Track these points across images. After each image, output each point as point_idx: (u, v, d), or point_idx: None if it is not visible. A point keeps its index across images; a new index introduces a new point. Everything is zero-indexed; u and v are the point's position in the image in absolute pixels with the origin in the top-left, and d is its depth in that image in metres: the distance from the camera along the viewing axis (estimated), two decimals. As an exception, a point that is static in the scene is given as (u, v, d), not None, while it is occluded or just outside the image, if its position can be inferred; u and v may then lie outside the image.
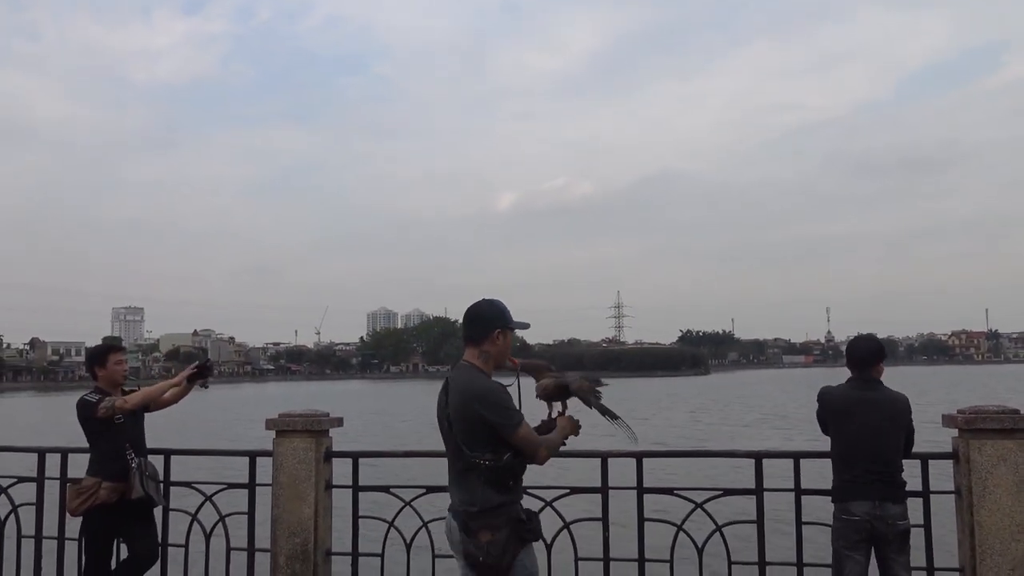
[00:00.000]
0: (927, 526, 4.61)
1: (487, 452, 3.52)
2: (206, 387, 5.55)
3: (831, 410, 4.73)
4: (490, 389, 3.58)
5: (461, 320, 3.86)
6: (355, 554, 5.27)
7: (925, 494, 4.64)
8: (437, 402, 3.76)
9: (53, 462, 5.70)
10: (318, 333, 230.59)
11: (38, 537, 5.79)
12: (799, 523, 4.76)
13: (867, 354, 4.79)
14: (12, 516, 5.88)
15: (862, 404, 4.62)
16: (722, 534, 4.85)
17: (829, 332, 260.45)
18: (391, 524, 5.20)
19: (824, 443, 4.79)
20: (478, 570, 3.50)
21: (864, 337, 4.94)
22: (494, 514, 3.51)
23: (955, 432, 4.64)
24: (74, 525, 5.40)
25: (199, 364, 5.58)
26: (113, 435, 5.23)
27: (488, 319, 3.73)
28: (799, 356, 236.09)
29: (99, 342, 5.79)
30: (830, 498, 4.70)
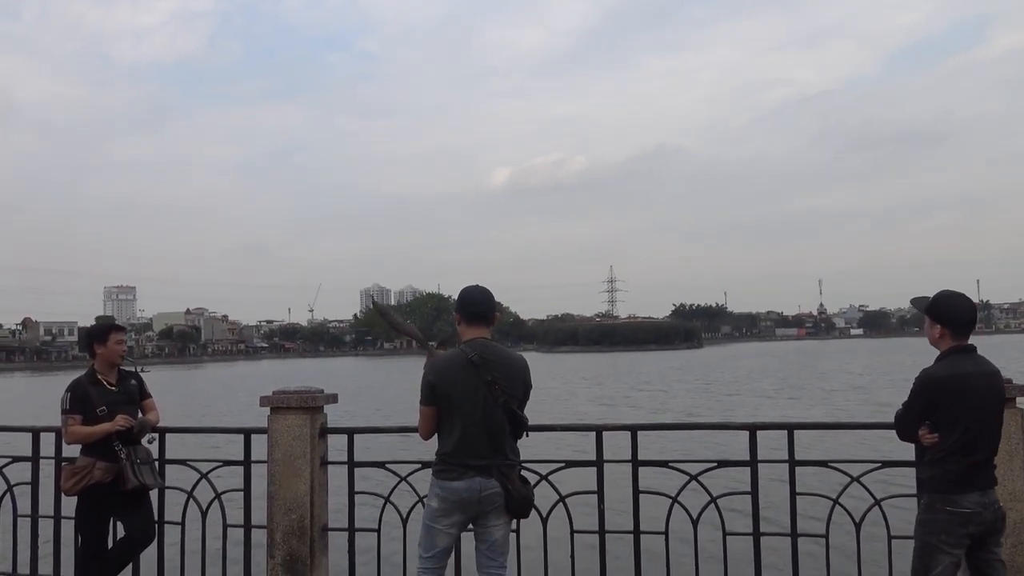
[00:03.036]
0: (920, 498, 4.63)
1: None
2: (152, 442, 5.44)
3: (949, 392, 3.97)
4: (527, 363, 4.29)
5: (465, 300, 4.29)
6: (351, 530, 5.29)
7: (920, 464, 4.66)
8: (452, 371, 4.13)
9: (48, 441, 5.68)
10: (311, 311, 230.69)
11: (34, 517, 5.80)
12: (793, 494, 4.78)
13: (974, 315, 4.15)
14: (7, 496, 5.89)
15: (977, 380, 4.01)
16: (717, 506, 4.87)
17: (821, 304, 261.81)
18: (387, 500, 5.21)
19: (807, 412, 4.75)
20: (519, 512, 4.18)
21: (961, 295, 4.13)
22: (518, 464, 4.28)
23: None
24: (70, 505, 5.41)
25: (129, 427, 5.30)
26: (99, 424, 5.22)
27: (493, 300, 4.32)
28: (791, 328, 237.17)
29: (92, 322, 5.79)
30: (917, 491, 4.15)
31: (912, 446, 4.28)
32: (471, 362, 4.10)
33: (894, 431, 4.19)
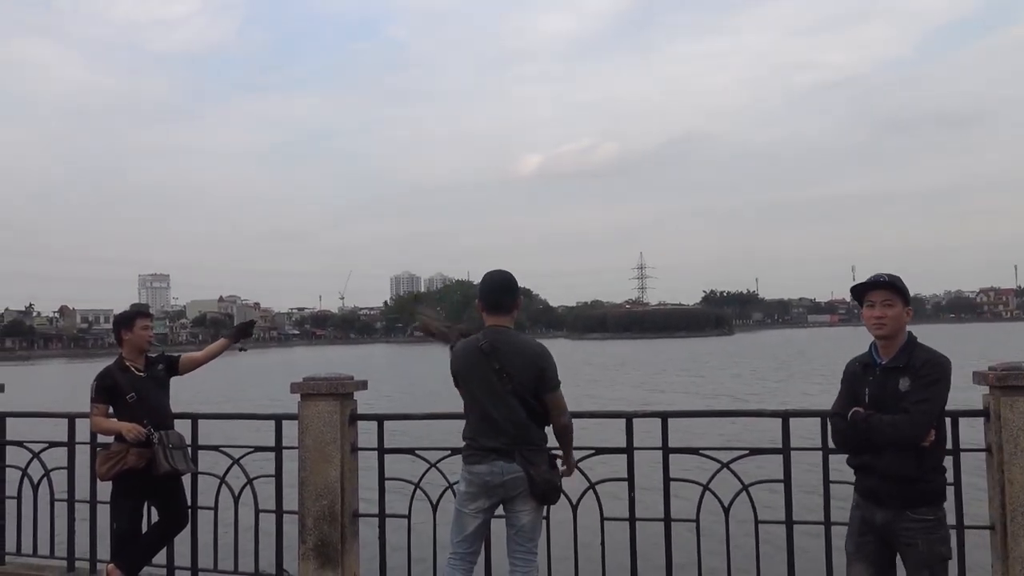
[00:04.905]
0: (957, 484, 4.55)
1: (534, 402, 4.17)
2: (244, 349, 5.60)
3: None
4: (547, 349, 4.27)
5: (483, 287, 4.33)
6: (382, 516, 5.31)
7: (956, 452, 4.57)
8: (466, 359, 4.22)
9: (83, 427, 5.75)
10: (342, 298, 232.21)
11: (70, 501, 5.90)
12: (827, 482, 4.72)
13: None
14: (45, 480, 5.99)
15: None
16: (749, 494, 4.82)
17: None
18: (417, 486, 5.22)
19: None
20: (544, 497, 4.20)
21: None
22: (545, 449, 4.28)
23: (986, 389, 4.57)
24: (105, 489, 5.48)
25: (243, 325, 5.68)
26: (131, 412, 5.27)
27: (516, 288, 4.34)
28: (824, 315, 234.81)
29: (126, 309, 5.84)
30: (906, 506, 3.74)
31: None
32: (481, 350, 4.17)
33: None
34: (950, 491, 4.43)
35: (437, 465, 5.16)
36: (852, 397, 3.82)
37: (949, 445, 4.49)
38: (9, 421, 6.23)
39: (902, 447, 3.62)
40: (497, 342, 4.17)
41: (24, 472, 6.04)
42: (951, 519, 4.46)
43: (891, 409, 3.64)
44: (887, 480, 3.70)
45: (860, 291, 3.84)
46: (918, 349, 3.72)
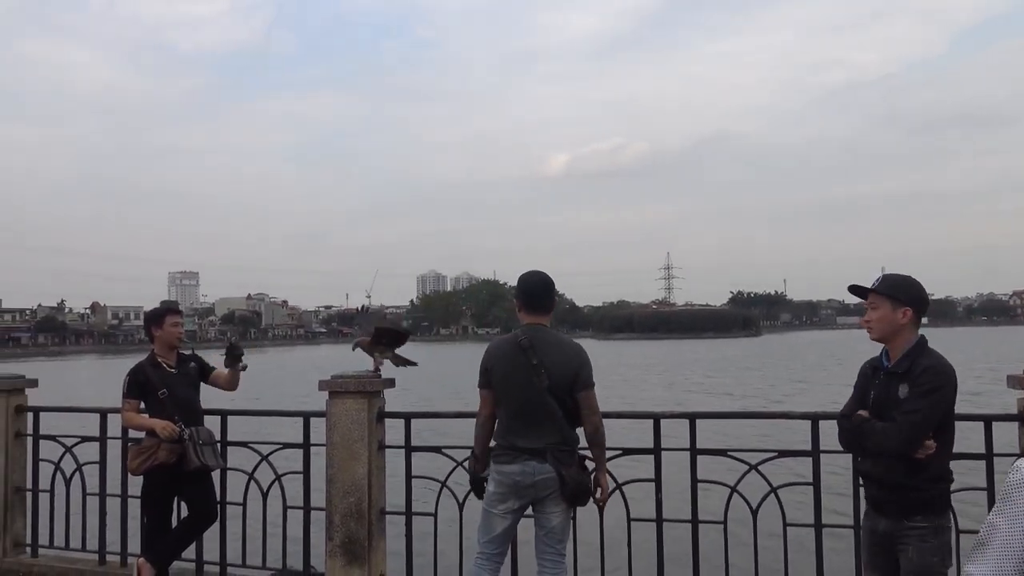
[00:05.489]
0: (991, 489, 4.49)
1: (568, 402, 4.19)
2: (245, 368, 5.57)
3: (956, 390, 3.58)
4: (584, 348, 4.34)
5: (524, 287, 4.35)
6: (408, 513, 5.33)
7: (989, 457, 4.51)
8: (503, 354, 4.25)
9: (115, 422, 5.82)
10: (368, 296, 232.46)
11: (102, 495, 5.97)
12: (856, 485, 4.66)
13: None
14: (77, 474, 6.07)
15: None
16: (777, 496, 4.78)
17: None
18: (443, 484, 5.23)
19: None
20: (575, 499, 4.22)
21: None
22: (576, 450, 4.28)
23: (1021, 393, 4.50)
24: (136, 484, 5.54)
25: (229, 349, 5.59)
26: (162, 407, 5.32)
27: (554, 288, 4.40)
28: (854, 317, 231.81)
29: (157, 306, 5.90)
30: (902, 514, 3.61)
31: None
32: (520, 346, 4.19)
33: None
34: (980, 495, 4.38)
35: (464, 464, 5.16)
36: (861, 399, 3.74)
37: (979, 449, 4.44)
38: (42, 415, 6.32)
39: (892, 456, 3.54)
40: (536, 339, 4.21)
41: (57, 466, 6.13)
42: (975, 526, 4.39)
43: (890, 415, 3.54)
44: (883, 488, 3.62)
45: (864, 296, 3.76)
46: (923, 355, 3.55)
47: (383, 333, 5.27)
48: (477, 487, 4.42)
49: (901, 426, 3.47)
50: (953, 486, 3.71)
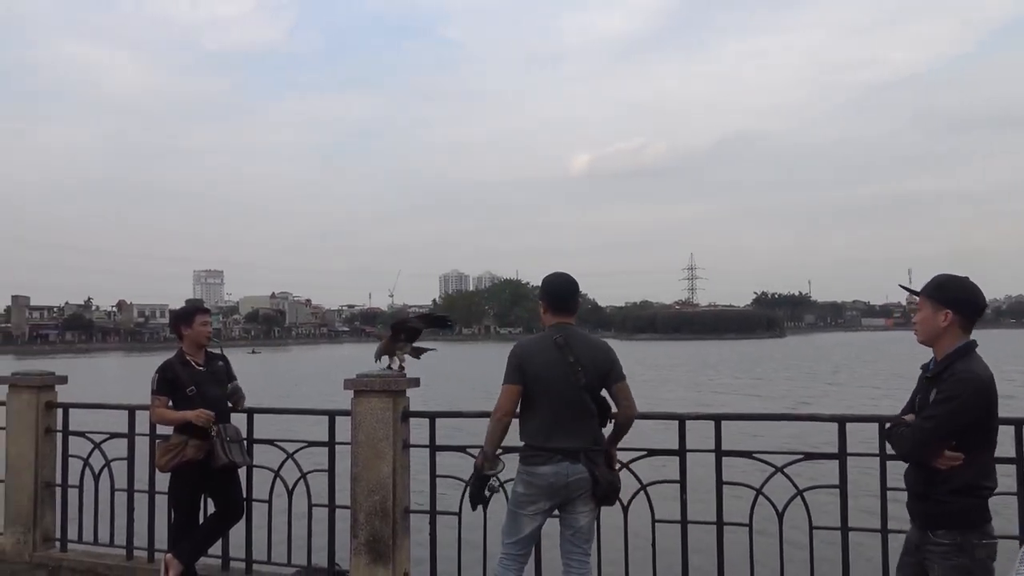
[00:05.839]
0: (1022, 495, 4.43)
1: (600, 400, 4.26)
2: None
3: (994, 401, 3.40)
4: (611, 347, 4.39)
5: (549, 289, 4.38)
6: (433, 512, 5.34)
7: (1020, 461, 4.45)
8: (540, 352, 4.24)
9: (143, 419, 5.88)
10: (391, 295, 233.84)
11: (130, 491, 6.03)
12: (884, 488, 4.63)
13: (985, 303, 3.62)
14: (106, 470, 6.13)
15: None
16: (803, 499, 4.74)
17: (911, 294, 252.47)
18: (467, 484, 5.22)
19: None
20: (606, 499, 4.24)
21: (967, 278, 3.56)
22: (604, 450, 4.29)
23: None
24: (164, 480, 5.59)
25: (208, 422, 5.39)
26: (190, 405, 5.37)
27: (578, 289, 4.44)
28: (879, 318, 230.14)
29: (182, 304, 5.95)
30: (926, 526, 3.48)
31: None
32: (556, 344, 4.19)
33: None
34: (1003, 501, 4.29)
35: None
36: (911, 402, 3.71)
37: (1010, 452, 4.37)
38: (72, 411, 6.40)
39: (913, 463, 3.46)
40: (569, 337, 4.24)
41: (86, 462, 6.20)
42: (1013, 529, 4.34)
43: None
44: (910, 496, 3.54)
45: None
46: (961, 360, 3.37)
47: (400, 328, 5.41)
48: (479, 487, 4.31)
49: (913, 432, 3.39)
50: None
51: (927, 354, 3.63)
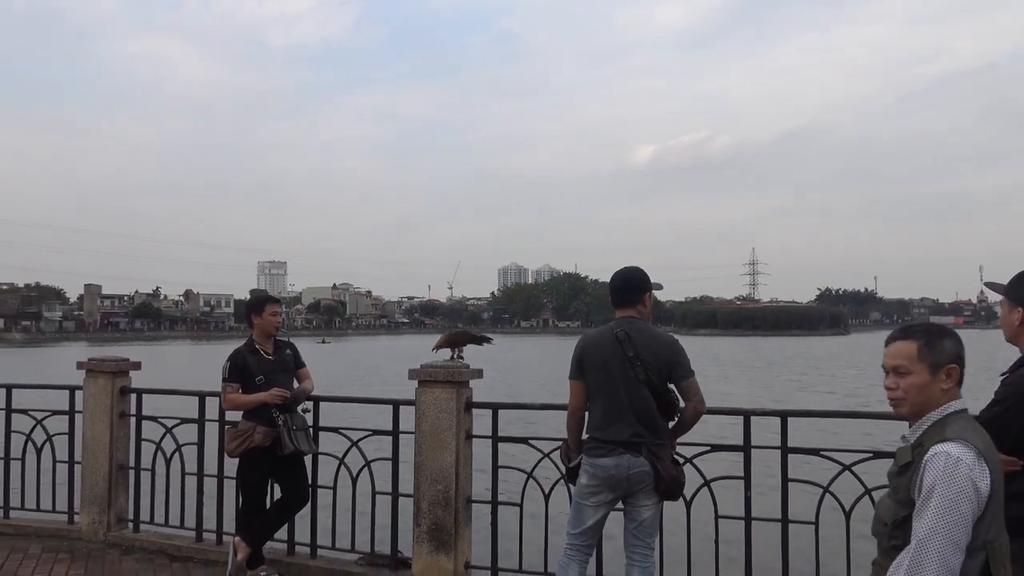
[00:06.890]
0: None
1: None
2: (307, 411, 5.70)
3: None
4: (676, 339, 4.32)
5: (610, 283, 4.39)
6: (494, 502, 5.37)
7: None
8: (599, 345, 4.23)
9: (213, 405, 6.03)
10: (450, 288, 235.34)
11: (200, 475, 6.18)
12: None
13: None
14: (177, 454, 6.30)
15: None
16: (871, 497, 4.63)
17: (982, 292, 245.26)
18: (530, 475, 5.25)
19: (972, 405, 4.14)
20: (668, 493, 4.19)
21: None
22: (669, 444, 4.27)
23: None
24: (232, 465, 5.72)
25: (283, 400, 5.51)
26: (257, 392, 5.47)
27: (642, 283, 4.34)
28: (948, 317, 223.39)
29: (246, 295, 6.08)
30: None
31: None
32: (616, 337, 4.18)
33: None
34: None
35: (550, 455, 5.17)
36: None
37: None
38: (144, 397, 6.58)
39: None
40: (631, 331, 4.20)
41: (158, 446, 6.38)
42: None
43: None
44: None
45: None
46: None
47: (457, 339, 5.61)
48: (571, 476, 4.45)
49: None
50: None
51: (1005, 354, 3.48)
